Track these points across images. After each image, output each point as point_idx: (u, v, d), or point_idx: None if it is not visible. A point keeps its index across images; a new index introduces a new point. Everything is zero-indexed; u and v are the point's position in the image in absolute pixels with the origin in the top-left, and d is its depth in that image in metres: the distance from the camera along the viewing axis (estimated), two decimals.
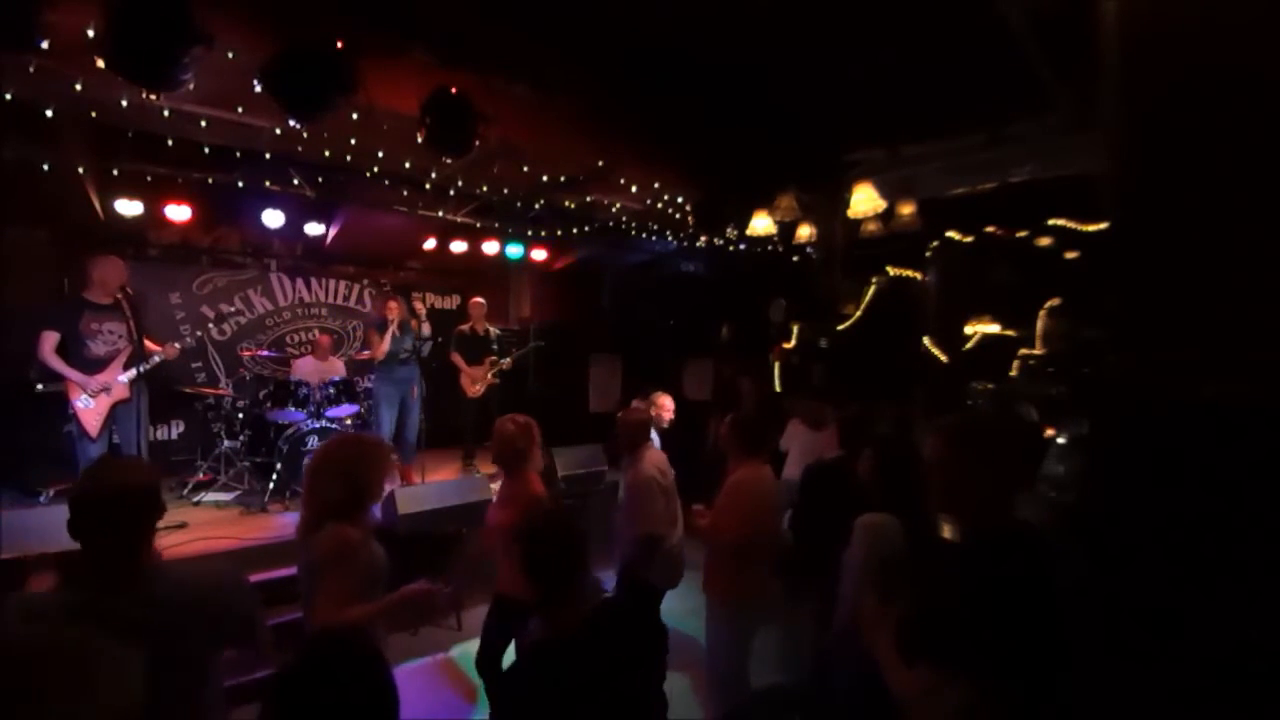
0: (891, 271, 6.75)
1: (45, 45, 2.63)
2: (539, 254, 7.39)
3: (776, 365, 6.94)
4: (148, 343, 4.46)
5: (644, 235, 7.33)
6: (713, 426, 6.86)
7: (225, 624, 1.74)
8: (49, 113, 3.82)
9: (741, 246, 7.16)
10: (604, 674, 1.67)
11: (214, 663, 1.73)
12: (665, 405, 4.60)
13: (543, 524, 1.82)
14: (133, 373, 4.27)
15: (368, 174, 5.25)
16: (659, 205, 5.86)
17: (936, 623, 1.45)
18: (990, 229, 6.05)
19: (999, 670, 1.34)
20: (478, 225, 6.67)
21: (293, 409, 5.31)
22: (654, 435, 4.46)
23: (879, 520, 2.20)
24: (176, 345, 4.76)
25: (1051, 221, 5.59)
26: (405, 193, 5.87)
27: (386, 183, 5.61)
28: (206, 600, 1.71)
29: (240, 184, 5.14)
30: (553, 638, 1.72)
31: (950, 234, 6.24)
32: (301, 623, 2.19)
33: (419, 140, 3.56)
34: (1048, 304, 5.35)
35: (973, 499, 1.56)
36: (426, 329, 5.70)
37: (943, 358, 6.27)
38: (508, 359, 6.47)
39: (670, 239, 7.53)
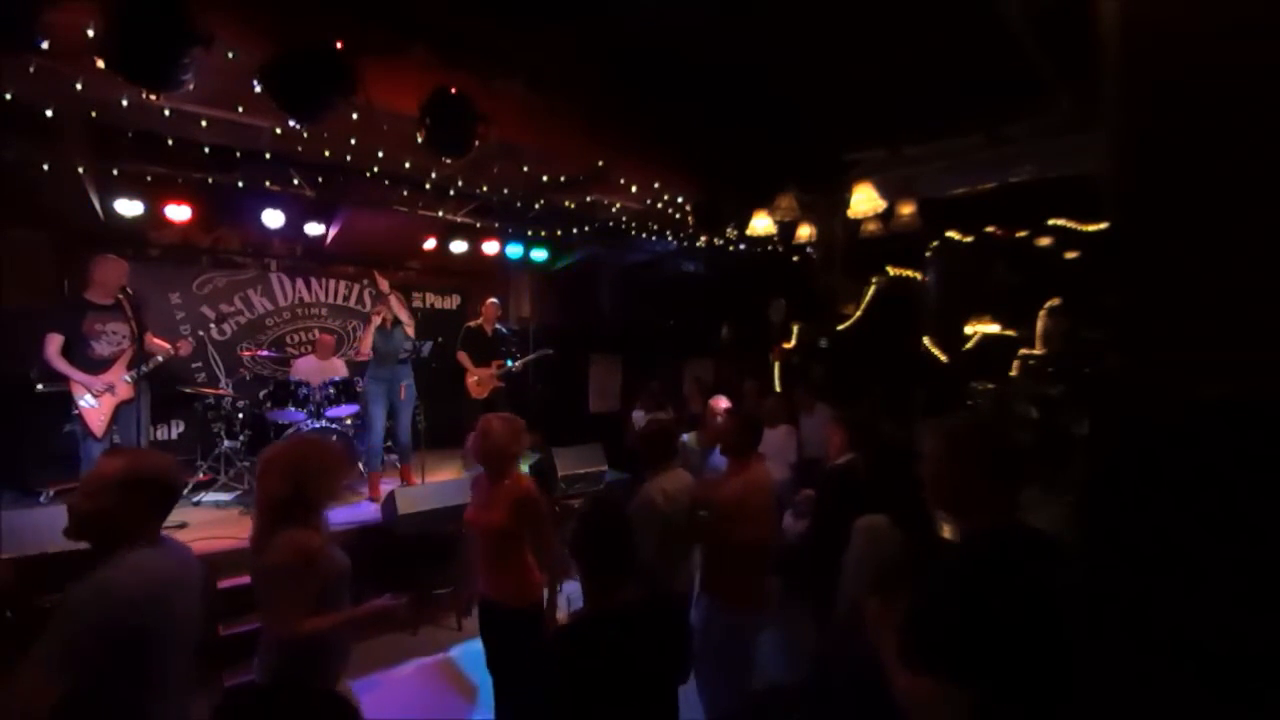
0: (891, 271, 6.75)
1: (45, 45, 2.64)
2: (539, 254, 7.39)
3: (776, 365, 6.94)
4: (156, 340, 4.47)
5: (644, 235, 7.34)
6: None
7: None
8: (49, 113, 3.82)
9: (741, 246, 7.17)
10: (632, 656, 1.73)
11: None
12: (723, 409, 4.23)
13: (593, 509, 1.96)
14: (135, 373, 4.27)
15: (368, 174, 5.25)
16: (659, 205, 5.86)
17: (933, 628, 1.43)
18: (990, 229, 6.05)
19: (995, 682, 1.32)
20: (478, 225, 6.67)
21: (293, 409, 5.31)
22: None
23: (876, 522, 2.20)
24: (190, 341, 4.76)
25: (1051, 221, 5.59)
26: (405, 193, 5.87)
27: (386, 183, 5.61)
28: (200, 565, 1.80)
29: (240, 184, 5.14)
30: (593, 614, 1.83)
31: (950, 234, 6.24)
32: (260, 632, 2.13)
33: (419, 140, 3.56)
34: (1048, 304, 5.35)
35: (968, 499, 1.56)
36: (409, 330, 5.55)
37: (943, 358, 6.27)
38: (516, 363, 6.41)
39: (670, 239, 7.54)
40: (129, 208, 5.03)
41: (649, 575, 2.81)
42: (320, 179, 5.43)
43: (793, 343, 6.90)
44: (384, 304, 5.41)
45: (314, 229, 5.94)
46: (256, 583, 2.09)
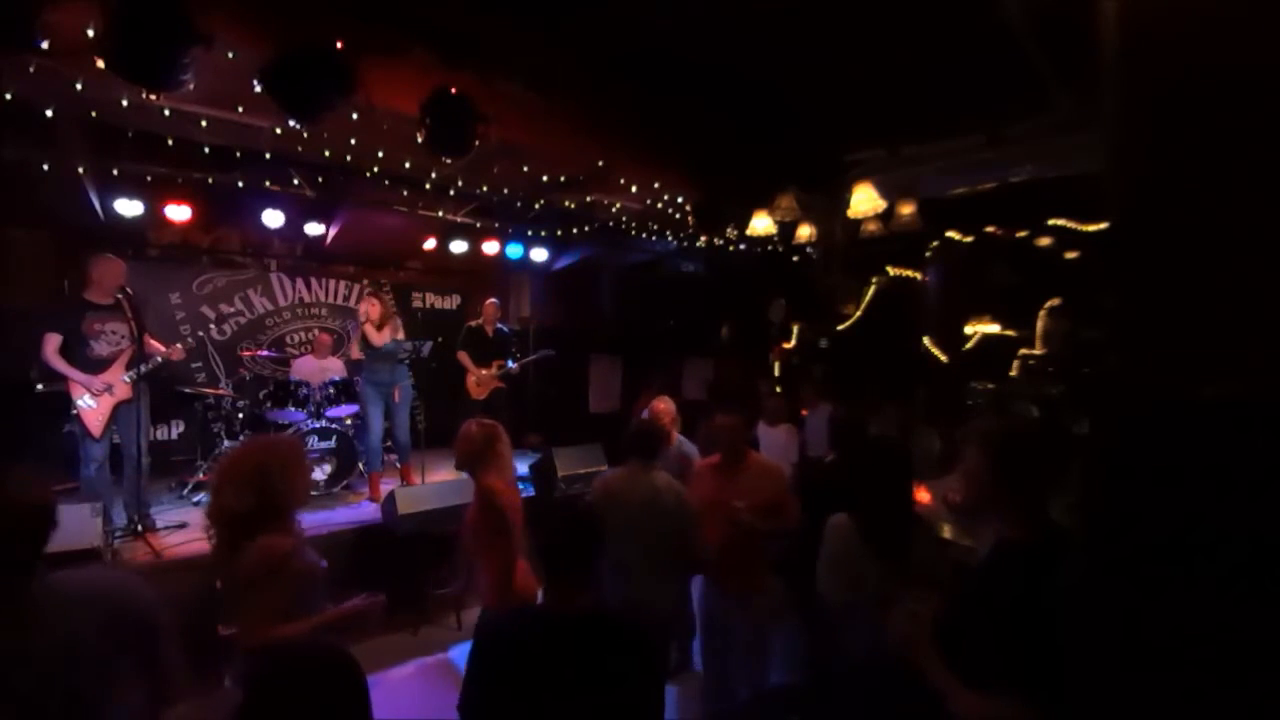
0: (891, 271, 6.76)
1: (45, 45, 2.64)
2: (539, 254, 7.39)
3: (776, 365, 6.94)
4: (152, 343, 4.46)
5: (644, 235, 7.34)
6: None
7: (122, 629, 1.52)
8: (49, 113, 3.83)
9: (741, 246, 7.17)
10: (568, 662, 1.66)
11: (119, 689, 1.51)
12: (661, 410, 3.93)
13: (557, 509, 1.87)
14: (134, 373, 4.27)
15: (368, 174, 5.25)
16: (659, 205, 5.86)
17: (1000, 645, 1.41)
18: (990, 229, 6.06)
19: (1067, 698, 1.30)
20: (478, 225, 6.67)
21: (293, 409, 5.32)
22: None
23: (840, 521, 2.21)
24: (181, 347, 4.76)
25: (1051, 221, 5.59)
26: (405, 193, 5.88)
27: (386, 183, 5.61)
28: (100, 604, 1.51)
29: (240, 184, 5.14)
30: (548, 612, 1.78)
31: (950, 234, 6.24)
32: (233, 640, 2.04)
33: (419, 140, 3.56)
34: (1048, 304, 5.35)
35: (1015, 507, 1.55)
36: (400, 334, 5.43)
37: (943, 358, 6.28)
38: (516, 364, 6.38)
39: (670, 239, 7.54)
40: (129, 208, 5.03)
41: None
42: (320, 179, 5.43)
43: (793, 343, 6.91)
44: (368, 305, 5.30)
45: (314, 229, 5.94)
46: (226, 592, 2.03)
